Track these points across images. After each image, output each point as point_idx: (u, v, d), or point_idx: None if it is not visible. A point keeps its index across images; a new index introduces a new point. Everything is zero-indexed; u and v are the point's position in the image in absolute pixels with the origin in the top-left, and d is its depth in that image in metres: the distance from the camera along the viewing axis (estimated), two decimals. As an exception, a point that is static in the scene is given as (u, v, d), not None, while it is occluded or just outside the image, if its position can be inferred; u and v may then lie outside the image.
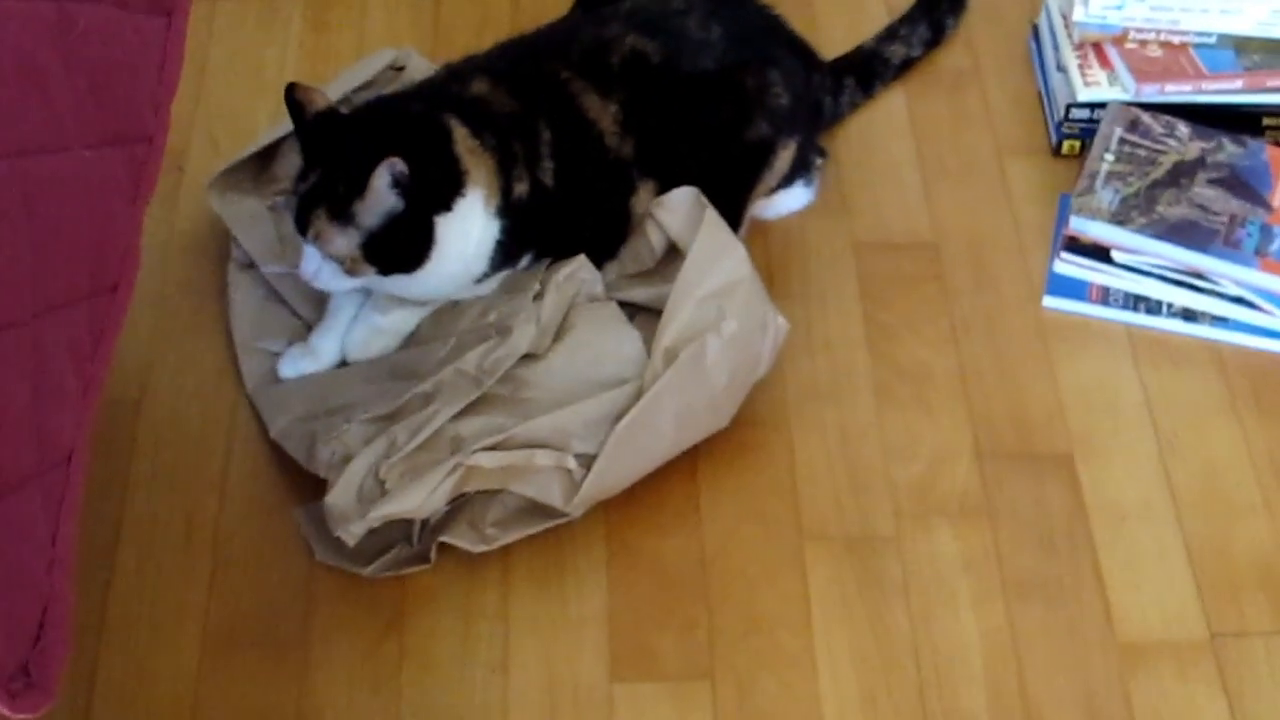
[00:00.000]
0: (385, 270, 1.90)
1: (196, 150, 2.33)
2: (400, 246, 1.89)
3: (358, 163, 1.84)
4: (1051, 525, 1.96)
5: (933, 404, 2.07)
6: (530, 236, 1.99)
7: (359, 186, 1.84)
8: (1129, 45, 2.36)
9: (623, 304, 1.98)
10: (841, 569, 1.91)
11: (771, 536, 1.93)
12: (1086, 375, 2.11)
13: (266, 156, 2.20)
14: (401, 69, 2.28)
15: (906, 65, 2.46)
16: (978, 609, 1.89)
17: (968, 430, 2.04)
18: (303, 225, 1.87)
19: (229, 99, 2.42)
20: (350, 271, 1.88)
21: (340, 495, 1.81)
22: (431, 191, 1.88)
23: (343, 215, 1.85)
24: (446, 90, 2.04)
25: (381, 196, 1.85)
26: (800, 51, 2.28)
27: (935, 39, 2.48)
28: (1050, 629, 1.87)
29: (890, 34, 2.45)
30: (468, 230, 1.93)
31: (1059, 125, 2.36)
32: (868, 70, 2.42)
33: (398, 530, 1.87)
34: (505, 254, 1.97)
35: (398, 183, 1.84)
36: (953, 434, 2.04)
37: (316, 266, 1.89)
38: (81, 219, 1.40)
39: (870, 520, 1.96)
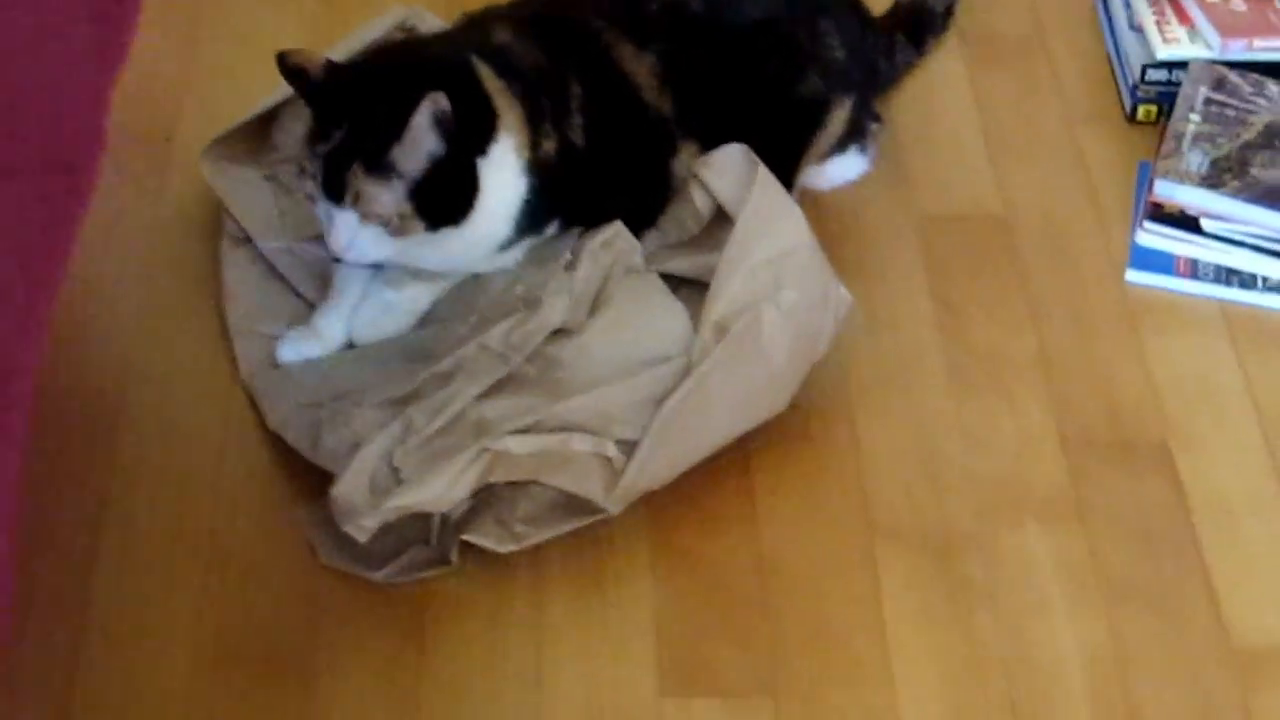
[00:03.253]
0: (435, 223, 1.78)
1: (188, 117, 2.23)
2: (448, 192, 1.77)
3: (391, 107, 1.72)
4: (1150, 522, 1.84)
5: (1012, 390, 1.95)
6: (558, 201, 1.88)
7: (395, 131, 1.72)
8: (1211, -1, 2.25)
9: (665, 276, 1.89)
10: (918, 571, 1.79)
11: (838, 535, 1.82)
12: (1179, 356, 2.00)
13: (265, 123, 2.09)
14: (411, 30, 2.13)
15: (950, 12, 2.36)
16: (1074, 616, 1.76)
17: (1052, 419, 1.92)
18: (337, 189, 1.75)
19: (222, 63, 2.32)
20: (398, 231, 1.76)
21: (349, 485, 1.70)
22: (469, 132, 1.77)
23: (382, 167, 1.74)
24: (465, 38, 1.91)
25: (423, 138, 1.72)
26: (852, 5, 2.16)
27: None
28: (1157, 637, 1.74)
29: None
30: (505, 179, 1.81)
31: (1133, 89, 2.26)
32: (915, 23, 2.31)
33: (414, 529, 1.75)
34: (531, 217, 1.86)
35: (438, 121, 1.72)
36: (1036, 422, 1.92)
37: (351, 235, 1.76)
38: (31, 76, 1.20)
39: (949, 517, 1.83)
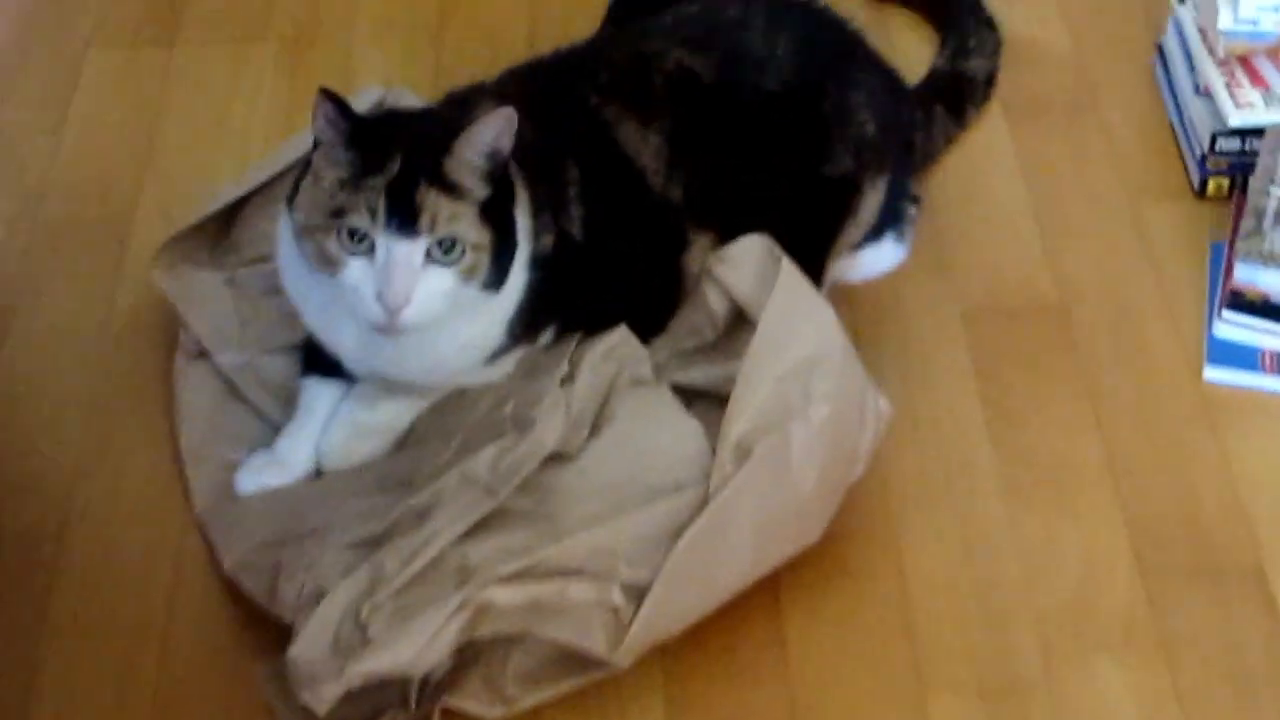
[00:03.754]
0: (501, 269, 1.67)
1: (143, 219, 2.15)
2: (504, 233, 1.67)
3: (455, 124, 1.64)
4: (1245, 659, 1.69)
5: (1078, 505, 1.83)
6: (554, 303, 1.76)
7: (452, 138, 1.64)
8: (1289, 57, 2.12)
9: (677, 388, 1.78)
10: None
11: (882, 686, 1.68)
12: (1269, 464, 1.86)
13: (226, 220, 2.00)
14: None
15: (992, 80, 2.26)
16: None
17: (1125, 538, 1.79)
18: (407, 214, 1.61)
19: (185, 159, 2.25)
20: (469, 271, 1.64)
21: (308, 645, 1.57)
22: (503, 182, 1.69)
23: (448, 183, 1.63)
24: (448, 117, 1.76)
25: (482, 142, 1.63)
26: (883, 73, 2.02)
27: (998, 42, 2.28)
28: None
29: (960, 49, 2.26)
30: (520, 258, 1.71)
31: (1201, 160, 2.12)
32: (955, 92, 2.22)
33: (390, 689, 1.62)
34: (526, 322, 1.74)
35: (499, 136, 1.63)
36: (1107, 543, 1.79)
37: (413, 280, 1.61)
38: None
39: (1011, 660, 1.69)
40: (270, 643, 1.66)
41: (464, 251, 1.61)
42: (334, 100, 1.62)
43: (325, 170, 1.63)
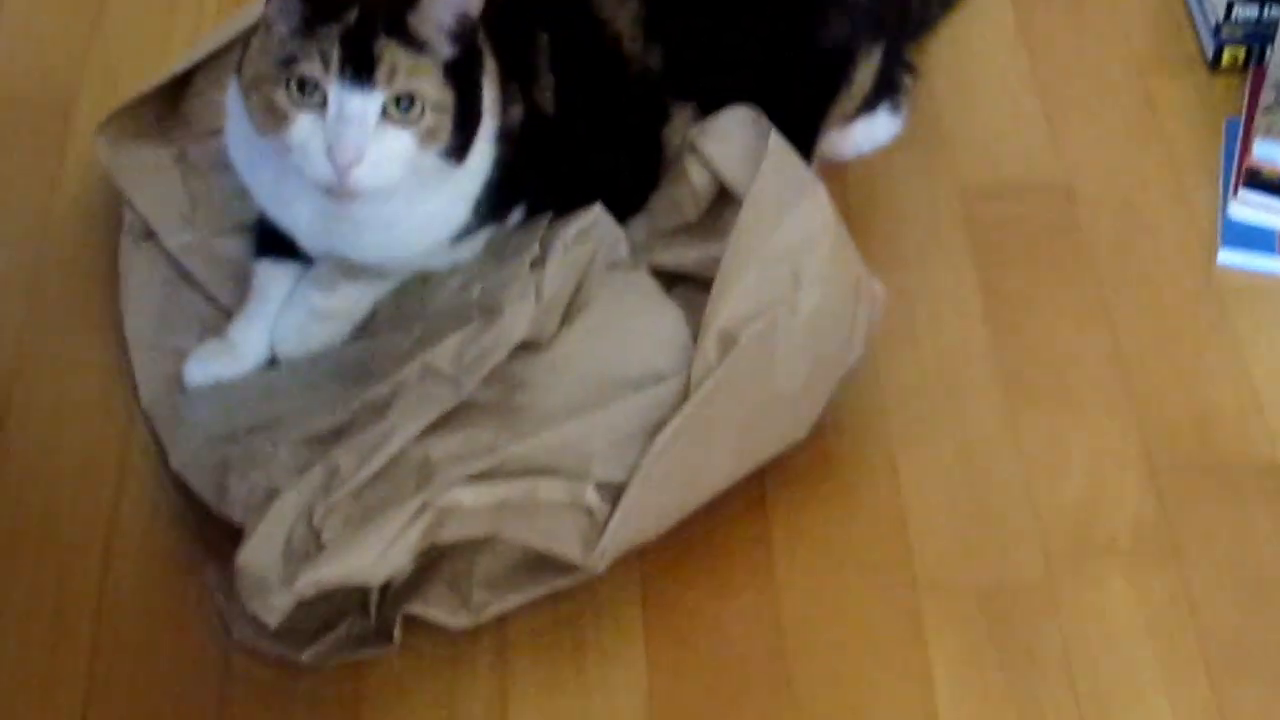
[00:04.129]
0: (463, 133, 1.60)
1: (89, 91, 2.07)
2: (469, 98, 1.60)
3: None
4: (1262, 564, 1.65)
5: (1084, 401, 1.79)
6: (524, 180, 1.70)
7: None
8: (1315, -83, 2.04)
9: (657, 272, 1.74)
10: (975, 633, 1.62)
11: (875, 590, 1.66)
12: None
13: (175, 92, 1.92)
14: None
15: None
16: (1172, 687, 1.57)
17: (1135, 436, 1.75)
18: (364, 65, 1.56)
19: (135, 30, 2.16)
20: (428, 136, 1.58)
21: (258, 551, 1.52)
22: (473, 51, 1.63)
23: (410, 37, 1.57)
24: None
25: (457, 11, 1.57)
26: None
27: None
28: (1274, 714, 1.55)
29: None
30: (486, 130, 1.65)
31: (1216, 30, 2.07)
32: None
33: (349, 597, 1.59)
34: (493, 200, 1.69)
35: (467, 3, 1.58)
36: (1116, 441, 1.75)
37: (365, 137, 1.56)
38: None
39: (1011, 563, 1.67)
40: (221, 545, 1.62)
41: (424, 110, 1.55)
42: None
43: (277, 20, 1.57)
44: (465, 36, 1.57)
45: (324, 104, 1.53)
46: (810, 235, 1.64)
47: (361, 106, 1.53)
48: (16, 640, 1.61)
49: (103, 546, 1.67)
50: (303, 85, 1.53)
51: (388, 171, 1.57)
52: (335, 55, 1.54)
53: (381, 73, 1.54)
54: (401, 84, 1.54)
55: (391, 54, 1.56)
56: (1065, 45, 2.13)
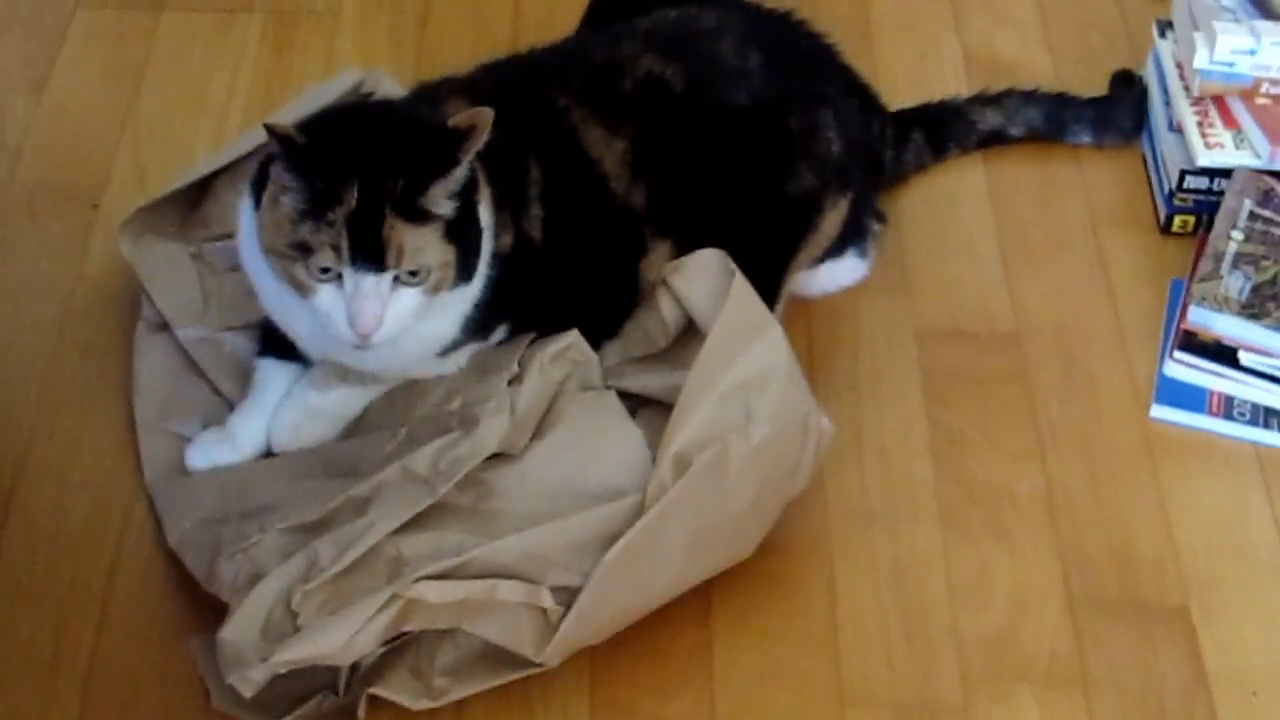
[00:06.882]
0: (468, 269, 1.65)
1: (118, 184, 2.12)
2: (471, 235, 1.65)
3: (423, 146, 1.60)
4: (1163, 699, 1.68)
5: (1013, 535, 1.81)
6: (509, 302, 1.74)
7: (436, 169, 1.59)
8: (1261, 100, 2.08)
9: (625, 395, 1.75)
10: None
11: (803, 701, 1.67)
12: (1206, 507, 1.85)
13: (197, 193, 1.97)
14: (369, 96, 1.99)
15: (995, 139, 2.19)
16: None
17: (1057, 571, 1.78)
18: (373, 251, 1.58)
19: (164, 127, 2.21)
20: (437, 286, 1.62)
21: (239, 628, 1.55)
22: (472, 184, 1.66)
23: (418, 211, 1.59)
24: (418, 111, 1.75)
25: (462, 179, 1.61)
26: (857, 90, 2.02)
27: (1051, 134, 2.19)
28: None
29: (992, 99, 2.19)
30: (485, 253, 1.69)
31: (1169, 196, 2.10)
32: (944, 129, 2.16)
33: (321, 675, 1.61)
34: (480, 318, 1.72)
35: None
36: (1038, 575, 1.77)
37: (383, 306, 1.59)
38: None
39: (932, 685, 1.68)
40: (208, 617, 1.64)
41: (430, 271, 1.60)
42: (280, 137, 1.57)
43: (283, 194, 1.59)
44: (465, 192, 1.61)
45: (340, 279, 1.58)
46: (764, 373, 1.65)
47: (375, 285, 1.58)
48: (12, 690, 1.64)
49: (99, 611, 1.69)
50: (321, 269, 1.58)
51: (403, 324, 1.62)
52: (345, 246, 1.57)
53: (390, 256, 1.57)
54: (409, 261, 1.58)
55: (399, 235, 1.58)
56: (1029, 200, 2.14)
